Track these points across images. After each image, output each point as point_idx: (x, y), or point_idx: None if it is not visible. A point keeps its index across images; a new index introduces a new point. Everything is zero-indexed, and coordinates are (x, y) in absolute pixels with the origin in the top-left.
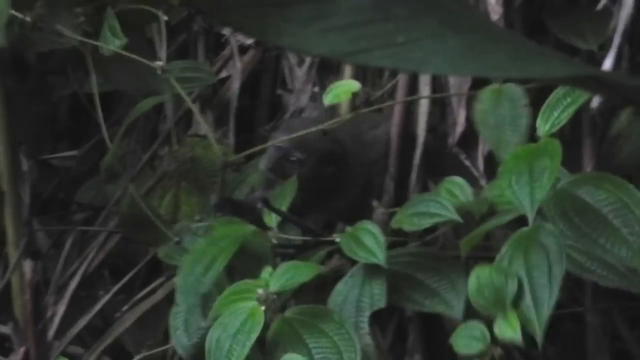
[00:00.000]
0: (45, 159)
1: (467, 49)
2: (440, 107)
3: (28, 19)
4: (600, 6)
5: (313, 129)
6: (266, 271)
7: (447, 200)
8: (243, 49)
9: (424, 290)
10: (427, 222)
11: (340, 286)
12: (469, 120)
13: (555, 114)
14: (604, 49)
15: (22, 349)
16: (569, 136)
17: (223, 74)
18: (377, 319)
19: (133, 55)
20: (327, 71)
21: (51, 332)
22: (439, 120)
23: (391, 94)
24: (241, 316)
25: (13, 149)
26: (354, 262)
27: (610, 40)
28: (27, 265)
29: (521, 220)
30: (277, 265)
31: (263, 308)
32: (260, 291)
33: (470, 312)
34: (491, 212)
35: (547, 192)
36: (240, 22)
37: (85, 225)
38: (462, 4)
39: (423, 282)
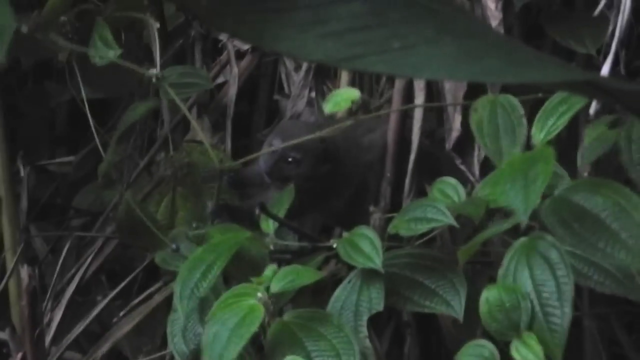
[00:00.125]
0: (43, 165)
1: (463, 54)
2: (437, 112)
3: (24, 29)
4: (597, 12)
5: (311, 136)
6: (269, 269)
7: (443, 205)
8: (240, 55)
9: (424, 291)
10: (424, 227)
11: (338, 292)
12: (464, 125)
13: (550, 122)
14: (600, 54)
15: (19, 355)
16: (566, 140)
17: (220, 80)
18: (374, 323)
19: (127, 64)
20: (323, 77)
21: (48, 338)
22: (435, 125)
23: (388, 99)
24: (241, 313)
25: (11, 155)
26: (350, 267)
27: (608, 45)
28: (24, 271)
29: (519, 225)
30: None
31: (263, 309)
32: (259, 294)
33: (469, 319)
34: (487, 213)
35: (540, 197)
36: (237, 27)
37: (83, 230)
38: (458, 10)
39: (422, 282)
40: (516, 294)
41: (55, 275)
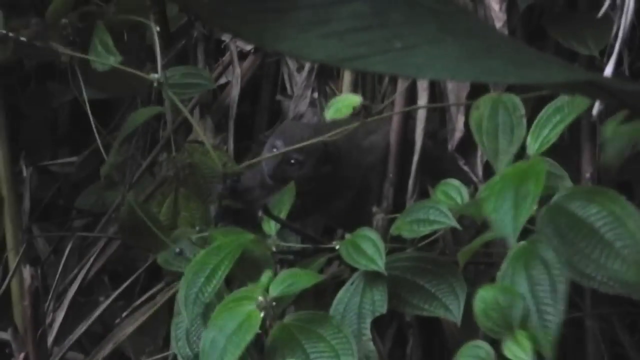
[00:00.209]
0: (45, 165)
1: (466, 54)
2: (440, 113)
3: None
4: (601, 13)
5: (316, 139)
6: (265, 275)
7: (446, 207)
8: (243, 55)
9: (424, 294)
10: (426, 229)
11: (341, 294)
12: (467, 126)
13: (545, 132)
14: (603, 55)
15: (21, 355)
16: (569, 141)
17: (223, 80)
18: (377, 324)
19: (128, 69)
20: (326, 77)
21: (51, 338)
22: (438, 126)
23: (390, 100)
24: (238, 318)
25: (13, 155)
26: (353, 269)
27: (611, 46)
28: (27, 271)
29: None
30: (277, 272)
31: (262, 314)
32: (260, 298)
33: (470, 321)
34: None
35: (528, 216)
36: (239, 28)
37: (85, 231)
38: (460, 10)
39: (422, 286)
40: (511, 294)
41: (57, 276)
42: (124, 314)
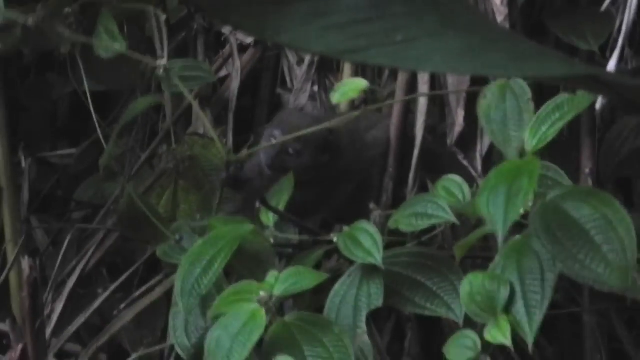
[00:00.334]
0: (44, 157)
1: (466, 47)
2: (439, 107)
3: (30, 22)
4: (603, 7)
5: (315, 128)
6: (271, 275)
7: (444, 202)
8: (243, 48)
9: (425, 292)
10: (424, 224)
11: (338, 287)
12: (467, 120)
13: (544, 128)
14: (604, 50)
15: (19, 346)
16: (568, 136)
17: (222, 73)
18: (375, 318)
19: (134, 55)
20: (326, 71)
21: (49, 330)
22: (438, 121)
23: (391, 93)
24: (242, 318)
25: (12, 147)
26: (352, 262)
27: (614, 41)
28: (25, 263)
29: (517, 224)
30: (276, 265)
31: (265, 313)
32: (262, 293)
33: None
34: None
35: (519, 213)
36: (239, 20)
37: (84, 223)
38: (462, 4)
39: (423, 284)
40: (498, 279)
41: (56, 267)
42: (122, 306)
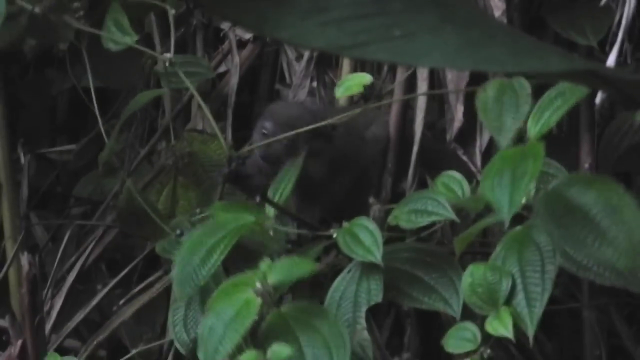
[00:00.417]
0: (44, 153)
1: (465, 43)
2: (439, 102)
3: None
4: (603, 2)
5: (320, 124)
6: (264, 263)
7: (444, 198)
8: (242, 44)
9: (423, 287)
10: (424, 220)
11: (337, 282)
12: (466, 116)
13: (546, 115)
14: (603, 45)
15: (19, 342)
16: (567, 132)
17: (221, 69)
18: (375, 314)
19: (142, 48)
20: (325, 66)
21: (48, 326)
22: (437, 116)
23: (391, 90)
24: (236, 305)
25: (11, 143)
26: (350, 257)
27: (614, 36)
28: (25, 259)
29: (517, 216)
30: (275, 258)
31: (260, 300)
32: (258, 284)
33: (468, 310)
34: (488, 207)
35: (524, 195)
36: (239, 15)
37: (83, 219)
38: None
39: (422, 279)
40: (500, 271)
41: (55, 264)
42: (122, 302)
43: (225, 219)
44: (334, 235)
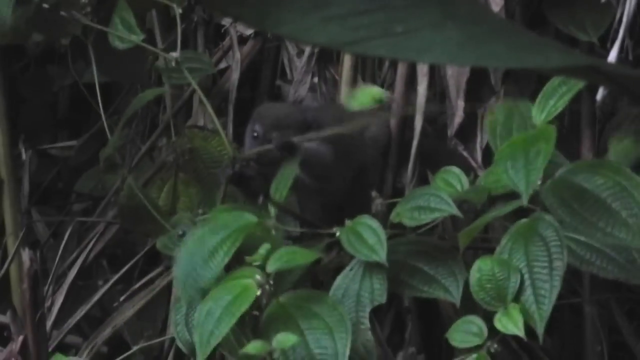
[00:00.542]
0: (45, 149)
1: (466, 39)
2: (440, 98)
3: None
4: None
5: (337, 130)
6: (263, 247)
7: (447, 194)
8: (242, 40)
9: (423, 276)
10: (427, 217)
11: (339, 280)
12: (467, 111)
13: (551, 102)
14: (604, 41)
15: (20, 338)
16: (568, 127)
17: (222, 65)
18: (375, 310)
19: (149, 47)
20: (326, 62)
21: (49, 322)
22: (438, 112)
23: (390, 84)
24: (234, 291)
25: (13, 139)
26: (352, 255)
27: (614, 32)
28: (26, 255)
29: (520, 211)
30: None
31: (259, 292)
32: (258, 276)
33: (469, 304)
34: (489, 201)
35: (540, 175)
36: (239, 11)
37: (84, 215)
38: None
39: (422, 269)
40: (508, 267)
41: (56, 260)
42: (122, 298)
43: (227, 218)
44: (337, 234)
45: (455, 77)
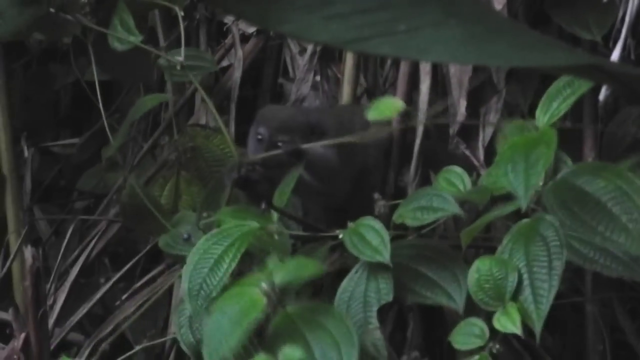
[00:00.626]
0: (47, 147)
1: (469, 37)
2: (442, 97)
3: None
4: None
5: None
6: (271, 261)
7: (449, 194)
8: (245, 38)
9: (426, 282)
10: (430, 217)
11: (345, 283)
12: (469, 110)
13: (555, 104)
14: (607, 40)
15: (22, 335)
16: (571, 127)
17: (224, 63)
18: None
19: (149, 49)
20: (328, 60)
21: (52, 319)
22: (439, 111)
23: (392, 83)
24: (241, 303)
25: (15, 137)
26: (355, 257)
27: (617, 31)
28: (28, 252)
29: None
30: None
31: (265, 299)
32: (264, 285)
33: (471, 305)
34: (491, 200)
35: (540, 180)
36: (242, 9)
37: (86, 213)
38: None
39: (425, 274)
40: (506, 266)
41: (59, 257)
42: (125, 296)
43: (230, 226)
44: (340, 236)
45: (458, 75)
